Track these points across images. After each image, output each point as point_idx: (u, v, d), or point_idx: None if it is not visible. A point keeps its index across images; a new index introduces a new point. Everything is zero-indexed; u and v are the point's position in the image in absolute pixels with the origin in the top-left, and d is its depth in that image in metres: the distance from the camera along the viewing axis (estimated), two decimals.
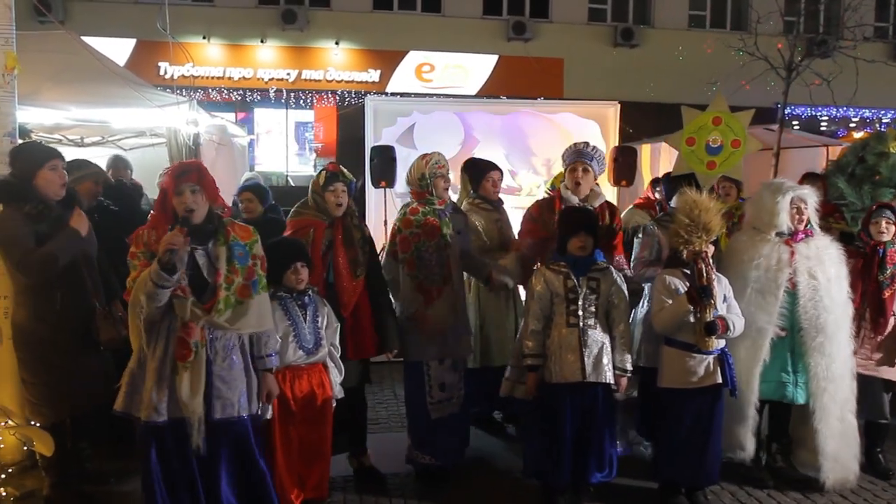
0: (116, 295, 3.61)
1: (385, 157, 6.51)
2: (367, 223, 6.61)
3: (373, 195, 7.10)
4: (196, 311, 2.90)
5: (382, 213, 6.54)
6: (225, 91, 14.38)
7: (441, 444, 3.95)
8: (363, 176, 6.86)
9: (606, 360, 3.53)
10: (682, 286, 3.60)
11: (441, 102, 9.68)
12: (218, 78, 14.37)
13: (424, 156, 4.02)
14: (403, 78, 14.94)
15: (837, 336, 3.84)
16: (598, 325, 3.55)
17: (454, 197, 4.59)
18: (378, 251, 4.13)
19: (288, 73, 14.66)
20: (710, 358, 3.59)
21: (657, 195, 5.90)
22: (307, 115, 15.42)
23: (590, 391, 3.54)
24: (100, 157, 5.81)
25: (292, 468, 3.43)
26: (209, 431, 2.96)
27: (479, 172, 4.60)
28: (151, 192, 5.47)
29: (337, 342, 3.55)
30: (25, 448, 3.66)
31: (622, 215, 4.49)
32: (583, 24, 15.71)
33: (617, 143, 7.67)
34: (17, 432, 3.43)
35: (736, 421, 3.84)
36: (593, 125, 7.75)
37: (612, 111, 7.85)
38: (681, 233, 3.57)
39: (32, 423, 3.45)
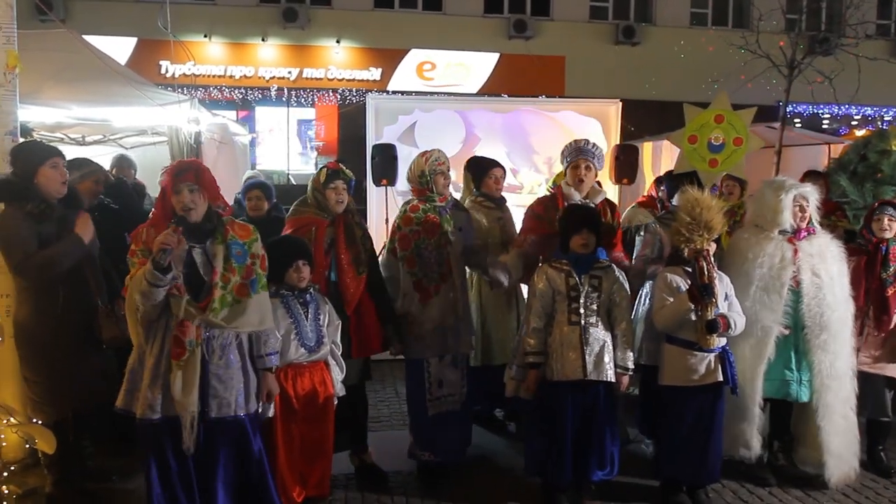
0: (118, 293, 3.60)
1: (386, 155, 6.51)
2: (368, 221, 6.68)
3: (374, 193, 7.10)
4: (191, 310, 2.90)
5: (384, 211, 6.54)
6: (226, 89, 14.38)
7: (442, 441, 3.95)
8: (365, 174, 6.86)
9: (608, 358, 3.52)
10: (683, 284, 3.60)
11: (442, 100, 9.67)
12: (219, 76, 14.38)
13: (424, 153, 4.02)
14: (405, 76, 14.94)
15: (840, 333, 3.84)
16: (599, 323, 3.54)
17: (457, 195, 4.59)
18: (379, 249, 4.13)
19: (289, 72, 14.66)
20: (712, 356, 3.59)
21: (661, 194, 5.90)
22: (309, 114, 15.42)
23: (591, 389, 3.54)
24: (101, 156, 5.81)
25: (294, 466, 3.43)
26: (206, 430, 2.96)
27: (481, 170, 4.60)
28: (154, 192, 5.47)
29: (338, 340, 3.55)
30: (28, 446, 3.67)
31: (624, 213, 4.49)
32: (584, 21, 15.70)
33: (618, 142, 7.66)
34: (19, 430, 3.44)
35: (741, 420, 3.84)
36: (595, 123, 7.74)
37: (614, 109, 7.85)
38: (682, 231, 3.57)
39: (34, 420, 3.45)
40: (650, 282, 4.04)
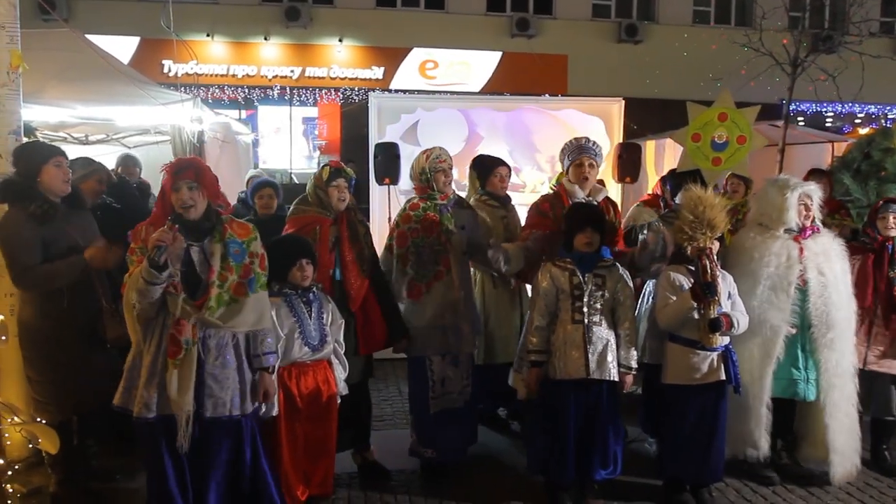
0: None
1: (389, 154, 6.50)
2: (371, 220, 6.68)
3: (377, 192, 7.10)
4: (187, 308, 2.90)
5: (386, 210, 6.54)
6: (229, 89, 14.40)
7: (445, 438, 3.96)
8: (367, 173, 6.86)
9: (611, 357, 3.52)
10: (686, 282, 3.60)
11: (445, 99, 9.66)
12: (222, 75, 14.39)
13: (426, 150, 4.03)
14: (407, 75, 14.94)
15: (845, 332, 3.85)
16: (603, 322, 3.54)
17: (462, 193, 4.58)
18: (381, 248, 4.13)
19: (292, 71, 14.67)
20: (715, 355, 3.58)
21: (666, 193, 5.89)
22: (312, 112, 15.43)
23: (594, 388, 3.53)
24: (104, 155, 5.82)
25: (298, 465, 3.43)
26: (201, 430, 2.96)
27: (486, 168, 4.60)
28: (158, 191, 5.48)
29: (341, 339, 3.55)
30: (31, 445, 3.67)
31: (628, 212, 4.49)
32: (587, 20, 15.69)
33: (621, 140, 7.65)
34: (22, 429, 3.44)
35: (749, 420, 3.84)
36: (597, 122, 7.74)
37: (617, 107, 7.84)
38: (685, 229, 3.56)
39: (38, 420, 3.46)
40: (653, 280, 4.04)
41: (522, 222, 4.44)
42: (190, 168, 3.02)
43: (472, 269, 4.29)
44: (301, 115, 15.43)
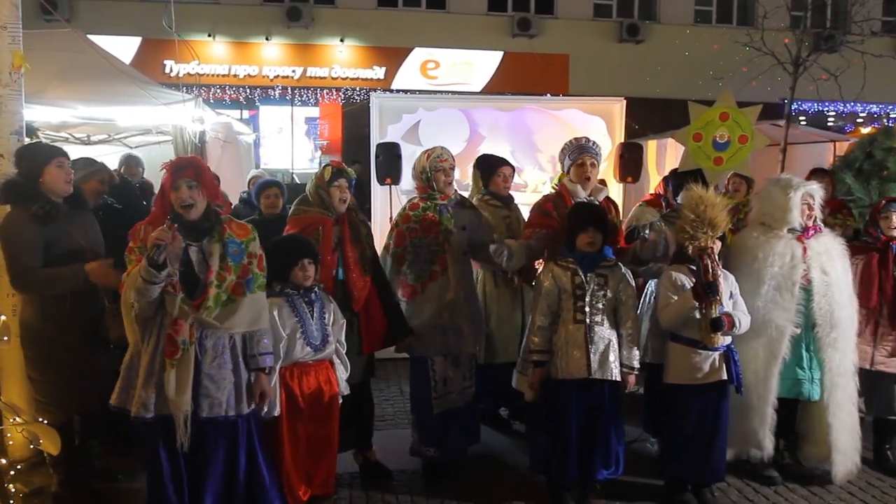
0: None
1: (390, 154, 6.51)
2: (372, 220, 6.68)
3: (378, 192, 7.10)
4: (185, 308, 2.89)
5: (388, 210, 6.54)
6: (230, 89, 14.41)
7: (447, 437, 3.96)
8: (369, 173, 6.87)
9: (613, 357, 3.52)
10: (688, 282, 3.59)
11: (446, 99, 9.67)
12: (223, 76, 14.40)
13: (427, 150, 4.04)
14: (408, 75, 14.94)
15: (848, 331, 3.85)
16: (605, 322, 3.54)
17: (465, 193, 4.58)
18: (381, 248, 4.12)
19: (293, 71, 14.68)
20: (716, 354, 3.58)
21: (669, 193, 5.90)
22: (314, 113, 15.44)
23: (596, 388, 3.53)
24: (106, 155, 5.84)
25: (300, 465, 3.43)
26: (196, 430, 2.96)
27: (490, 168, 4.60)
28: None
29: (343, 339, 3.55)
30: (33, 446, 3.67)
31: (631, 212, 4.49)
32: (588, 19, 15.68)
33: (623, 140, 7.65)
34: (24, 430, 3.45)
35: (754, 420, 3.83)
36: (599, 121, 7.74)
37: (618, 107, 7.84)
38: (686, 228, 3.56)
39: (40, 420, 3.46)
40: (655, 280, 4.03)
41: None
42: (190, 167, 3.02)
43: (474, 270, 4.28)
44: (304, 115, 15.43)
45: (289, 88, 14.72)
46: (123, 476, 3.83)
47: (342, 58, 14.85)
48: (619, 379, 3.53)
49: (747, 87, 8.72)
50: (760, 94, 8.44)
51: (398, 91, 14.06)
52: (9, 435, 3.55)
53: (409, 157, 6.22)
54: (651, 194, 6.06)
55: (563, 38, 15.28)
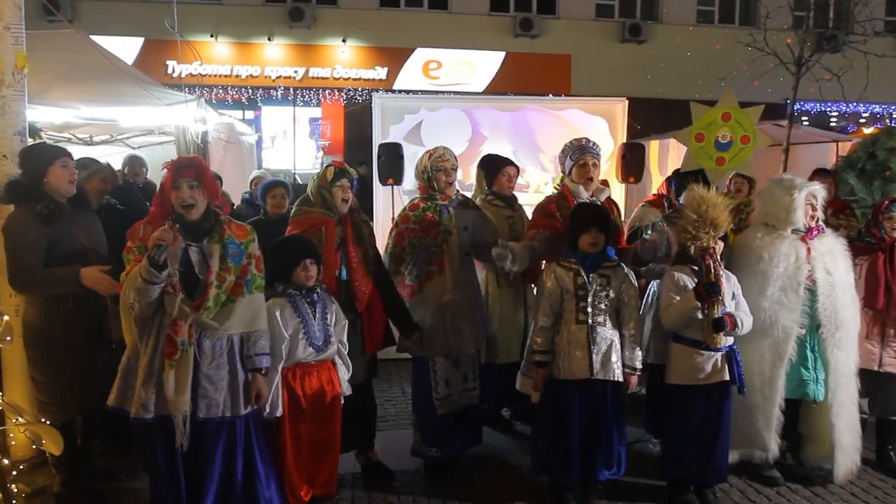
0: None
1: (392, 154, 6.51)
2: (374, 220, 6.68)
3: (381, 193, 7.11)
4: (185, 308, 2.89)
5: (390, 210, 6.54)
6: (232, 89, 14.42)
7: (449, 437, 3.96)
8: (371, 173, 6.87)
9: (615, 357, 3.52)
10: (690, 282, 3.59)
11: (448, 99, 9.67)
12: (225, 76, 14.42)
13: (430, 150, 4.04)
14: (411, 75, 14.95)
15: (851, 331, 3.85)
16: (607, 322, 3.53)
17: (468, 193, 4.58)
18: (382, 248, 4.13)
19: (295, 71, 14.69)
20: (719, 355, 3.58)
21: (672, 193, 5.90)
22: (316, 113, 15.44)
23: (598, 388, 3.53)
24: (109, 156, 5.84)
25: (302, 465, 3.43)
26: (194, 431, 2.95)
27: (495, 167, 4.59)
28: None
29: (345, 339, 3.55)
30: (35, 446, 3.68)
31: (634, 212, 4.48)
32: (590, 19, 15.67)
33: (625, 140, 7.65)
34: (26, 429, 3.45)
35: (759, 421, 3.82)
36: (601, 121, 7.74)
37: (620, 107, 7.83)
38: (689, 229, 3.56)
39: (42, 420, 3.46)
40: (657, 280, 4.03)
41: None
42: (191, 167, 3.02)
43: (477, 270, 4.27)
44: (308, 115, 15.44)
45: (291, 89, 14.73)
46: (125, 476, 3.84)
47: (344, 58, 14.86)
48: (621, 379, 3.53)
49: (750, 88, 8.72)
50: (763, 94, 8.45)
51: (400, 91, 14.05)
52: (11, 435, 3.55)
53: (412, 157, 6.22)
54: (654, 195, 6.06)
55: (565, 38, 15.28)
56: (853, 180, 6.48)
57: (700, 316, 3.54)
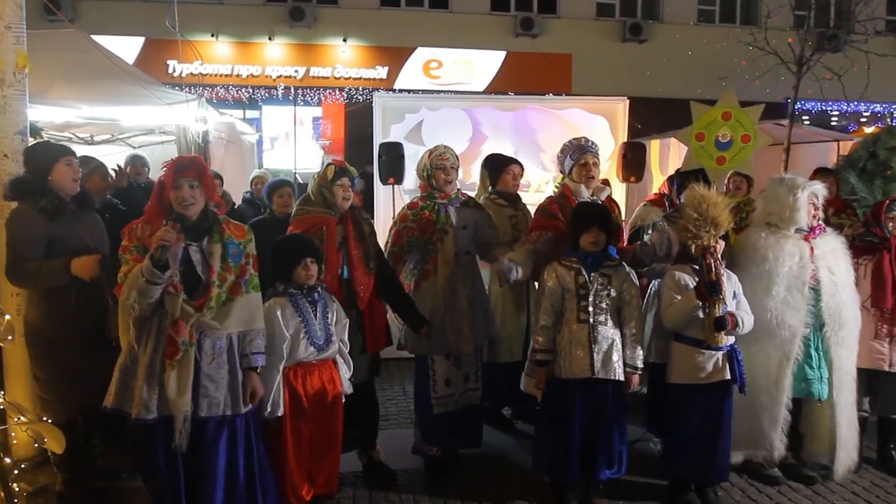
0: None
1: (393, 153, 6.51)
2: (375, 219, 6.69)
3: (381, 192, 7.11)
4: (186, 308, 2.89)
5: (391, 209, 6.55)
6: (233, 89, 14.42)
7: (449, 436, 3.96)
8: (372, 173, 6.87)
9: (616, 356, 3.52)
10: (691, 282, 3.59)
11: (449, 99, 9.67)
12: (226, 75, 14.41)
13: (431, 148, 4.04)
14: (411, 74, 14.94)
15: (853, 329, 3.85)
16: (608, 322, 3.53)
17: (471, 192, 4.57)
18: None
19: (296, 71, 14.68)
20: (720, 354, 3.58)
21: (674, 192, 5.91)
22: (316, 113, 15.43)
23: (599, 388, 3.53)
24: (110, 155, 5.84)
25: (303, 464, 3.43)
26: (195, 430, 2.96)
27: (499, 166, 4.59)
28: None
29: (346, 338, 3.55)
30: (37, 444, 3.68)
31: (635, 212, 4.49)
32: (591, 19, 15.66)
33: (626, 139, 7.65)
34: (28, 428, 3.45)
35: (764, 421, 3.82)
36: (602, 121, 7.74)
37: (621, 107, 7.84)
38: (689, 227, 3.56)
39: (44, 419, 3.46)
40: (658, 279, 4.03)
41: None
42: (192, 166, 3.03)
43: (480, 270, 4.27)
44: (311, 115, 15.42)
45: (292, 88, 14.73)
46: (126, 475, 3.84)
47: (345, 58, 14.86)
48: (622, 379, 3.53)
49: (750, 87, 8.72)
50: (764, 93, 8.45)
51: (401, 91, 14.05)
52: (13, 434, 3.55)
53: (412, 156, 6.23)
54: (655, 194, 6.07)
55: (565, 37, 15.26)
56: (854, 180, 6.48)
57: (701, 315, 3.54)
